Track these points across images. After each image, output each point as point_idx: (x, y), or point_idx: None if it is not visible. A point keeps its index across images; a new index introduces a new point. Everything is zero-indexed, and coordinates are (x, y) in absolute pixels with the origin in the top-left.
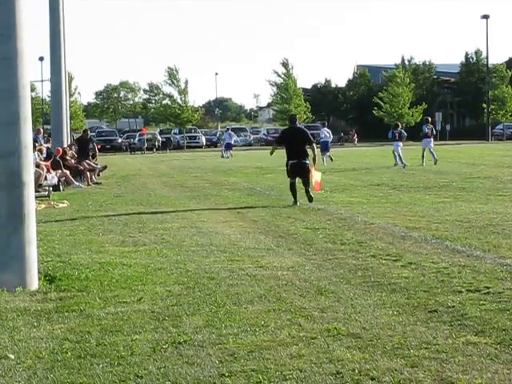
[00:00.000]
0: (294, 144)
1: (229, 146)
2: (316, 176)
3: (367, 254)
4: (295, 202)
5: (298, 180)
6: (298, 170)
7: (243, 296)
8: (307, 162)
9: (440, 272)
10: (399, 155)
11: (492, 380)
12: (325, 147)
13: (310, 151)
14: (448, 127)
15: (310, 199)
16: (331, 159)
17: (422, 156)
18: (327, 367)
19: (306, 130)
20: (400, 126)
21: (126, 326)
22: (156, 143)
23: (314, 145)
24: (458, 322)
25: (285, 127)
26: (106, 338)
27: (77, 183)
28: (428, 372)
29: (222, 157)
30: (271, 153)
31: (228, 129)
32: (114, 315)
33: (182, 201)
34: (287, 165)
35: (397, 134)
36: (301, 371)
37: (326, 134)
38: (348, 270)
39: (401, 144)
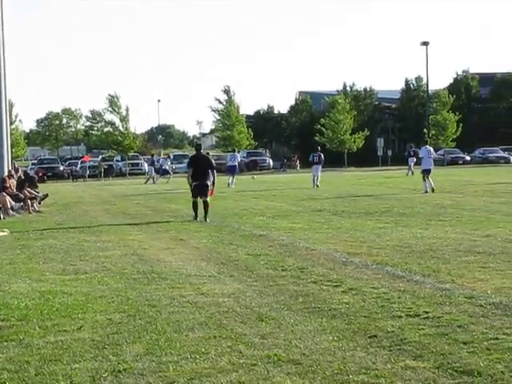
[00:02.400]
0: (199, 168)
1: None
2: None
3: (308, 280)
4: (196, 217)
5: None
6: (199, 190)
7: (184, 323)
8: (208, 183)
9: (380, 297)
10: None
11: None
12: (232, 171)
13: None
14: (390, 153)
15: (205, 219)
16: (318, 186)
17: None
18: None
19: (209, 157)
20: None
21: (66, 354)
22: (102, 170)
23: (215, 170)
24: (397, 346)
25: (193, 154)
26: (45, 367)
27: (12, 212)
28: None
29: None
30: (190, 184)
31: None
32: (54, 344)
33: (123, 228)
34: (191, 185)
35: (316, 157)
36: None
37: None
38: (289, 296)
39: (319, 167)
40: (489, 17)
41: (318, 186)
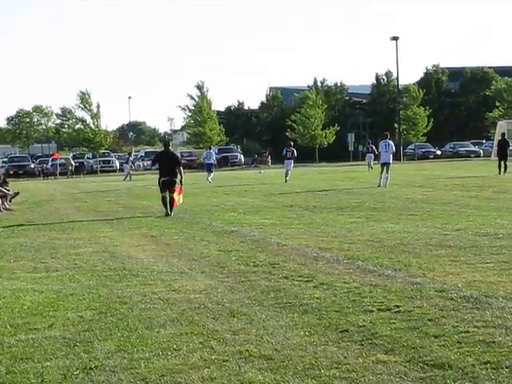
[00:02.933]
0: (166, 164)
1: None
2: (178, 196)
3: (280, 276)
4: (167, 213)
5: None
6: (167, 185)
7: (155, 320)
8: (176, 179)
9: (351, 292)
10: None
11: None
12: (209, 168)
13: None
14: (361, 148)
15: (169, 214)
16: (286, 181)
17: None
18: None
19: (176, 153)
20: (292, 145)
21: (37, 353)
22: (70, 167)
23: (181, 167)
24: (368, 341)
25: (160, 150)
26: (16, 365)
27: None
28: None
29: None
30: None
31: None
32: (25, 342)
33: (94, 225)
34: (159, 181)
35: (289, 153)
36: None
37: (214, 157)
38: (260, 292)
39: (291, 162)
40: (482, 14)
41: (286, 180)
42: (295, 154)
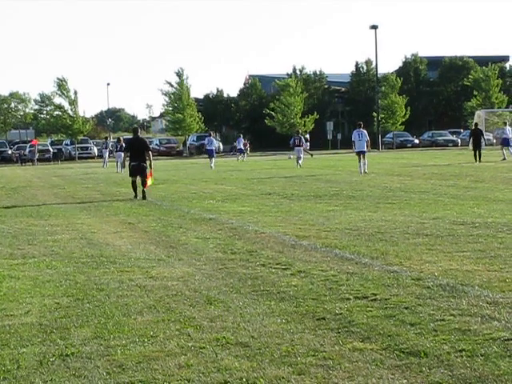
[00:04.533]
0: (136, 150)
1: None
2: (149, 179)
3: (257, 263)
4: (135, 196)
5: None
6: (137, 170)
7: (132, 307)
8: (145, 164)
9: (328, 280)
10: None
11: None
12: (211, 154)
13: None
14: (339, 136)
15: (144, 197)
16: (300, 166)
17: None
18: (215, 376)
19: (145, 139)
20: (300, 133)
21: (13, 339)
22: (37, 154)
23: (150, 152)
24: (345, 328)
25: (130, 137)
26: None
27: None
28: (315, 379)
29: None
30: (124, 165)
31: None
32: (1, 329)
33: (72, 212)
34: (129, 166)
35: (297, 140)
36: (188, 381)
37: (214, 143)
38: (238, 280)
39: (301, 149)
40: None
41: (300, 166)
42: (303, 141)
